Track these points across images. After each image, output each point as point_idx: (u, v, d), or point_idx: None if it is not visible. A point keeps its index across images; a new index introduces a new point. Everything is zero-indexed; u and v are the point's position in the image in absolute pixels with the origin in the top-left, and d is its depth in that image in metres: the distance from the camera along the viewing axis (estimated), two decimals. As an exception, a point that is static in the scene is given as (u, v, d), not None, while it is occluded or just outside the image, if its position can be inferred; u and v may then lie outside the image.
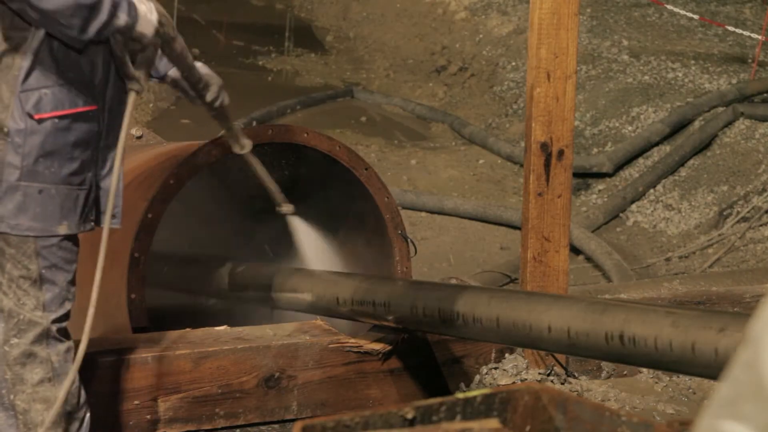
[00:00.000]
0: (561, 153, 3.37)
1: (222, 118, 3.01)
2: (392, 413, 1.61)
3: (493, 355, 3.42)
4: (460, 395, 1.67)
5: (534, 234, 3.41)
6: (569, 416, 1.76)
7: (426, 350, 3.27)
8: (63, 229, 2.42)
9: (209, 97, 2.85)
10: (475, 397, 1.69)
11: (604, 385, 3.35)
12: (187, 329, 3.10)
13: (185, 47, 2.65)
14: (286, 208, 3.31)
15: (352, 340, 3.12)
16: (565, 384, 3.30)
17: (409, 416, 1.61)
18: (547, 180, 3.37)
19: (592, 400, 2.16)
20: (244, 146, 3.12)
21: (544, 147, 3.35)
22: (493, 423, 1.60)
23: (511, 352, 3.40)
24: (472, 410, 1.68)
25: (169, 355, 2.91)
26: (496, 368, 3.36)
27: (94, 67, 2.41)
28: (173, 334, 3.04)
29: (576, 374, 3.43)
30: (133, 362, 2.87)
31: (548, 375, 3.32)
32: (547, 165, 3.37)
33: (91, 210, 2.50)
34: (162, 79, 2.85)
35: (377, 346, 3.16)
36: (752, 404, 0.83)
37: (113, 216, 2.53)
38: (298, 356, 3.08)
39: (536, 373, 3.33)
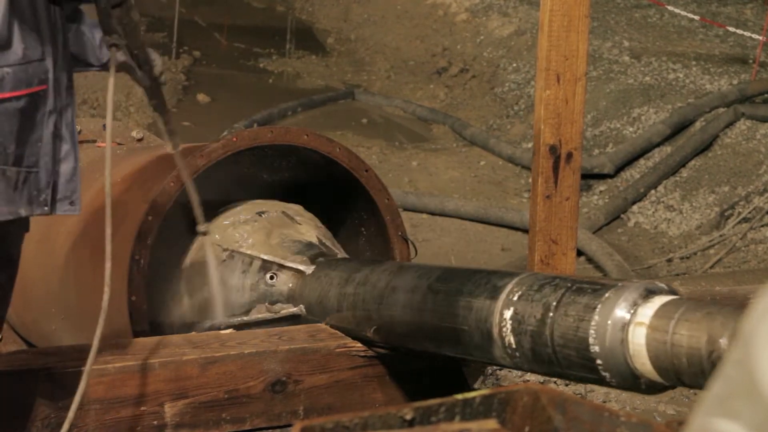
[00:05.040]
0: (570, 156, 3.36)
1: (160, 99, 2.86)
2: (391, 414, 1.61)
3: None
4: (458, 396, 1.68)
5: (541, 237, 3.40)
6: (568, 417, 1.76)
7: (431, 355, 3.25)
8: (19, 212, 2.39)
9: (157, 70, 2.73)
10: (474, 398, 1.69)
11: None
12: (192, 333, 3.09)
13: (139, 19, 2.56)
14: (203, 227, 3.15)
15: (359, 345, 3.10)
16: (569, 385, 3.28)
17: (408, 417, 1.61)
18: (556, 183, 3.35)
19: (591, 401, 2.16)
20: (175, 147, 2.98)
21: (553, 149, 3.34)
22: (492, 424, 1.60)
23: None
24: (471, 411, 1.68)
25: (176, 360, 2.89)
26: (500, 369, 3.35)
27: (45, 47, 2.36)
28: (178, 339, 3.03)
29: None
30: (140, 368, 2.86)
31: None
32: (556, 168, 3.35)
33: (42, 194, 2.42)
34: (104, 66, 2.70)
35: (384, 350, 3.14)
36: (744, 402, 0.83)
37: (71, 203, 2.47)
38: (305, 360, 3.06)
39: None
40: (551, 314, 2.18)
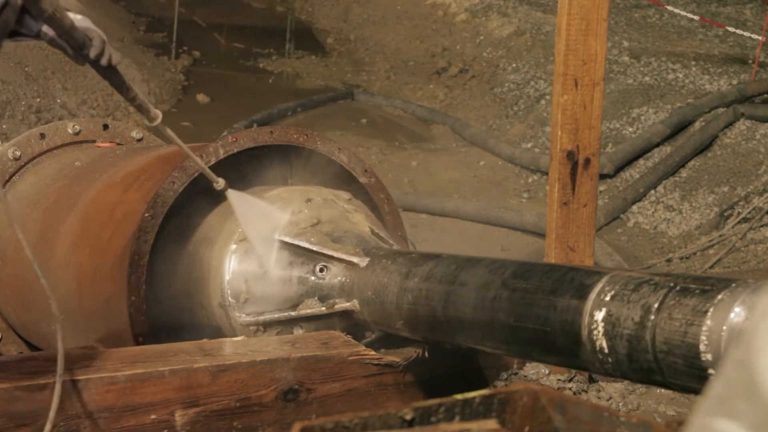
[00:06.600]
0: (587, 161, 3.31)
1: (115, 79, 2.71)
2: (391, 414, 1.61)
3: (516, 364, 3.36)
4: (458, 396, 1.68)
5: (559, 244, 3.36)
6: (568, 417, 1.76)
7: (447, 361, 3.21)
8: None
9: (93, 53, 2.58)
10: (473, 398, 1.69)
11: (623, 389, 3.30)
12: (204, 340, 3.05)
13: (59, 6, 2.40)
14: (219, 184, 3.05)
15: (372, 353, 3.06)
16: (588, 392, 3.23)
17: (408, 417, 1.61)
18: (573, 189, 3.31)
19: (590, 401, 2.16)
20: (155, 118, 2.84)
21: (570, 155, 3.29)
22: (492, 424, 1.60)
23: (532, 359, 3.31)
24: (471, 411, 1.68)
25: (186, 368, 2.86)
26: (515, 374, 3.30)
27: None
28: (189, 345, 2.99)
29: (597, 379, 3.36)
30: (149, 376, 2.83)
31: (570, 381, 3.25)
32: (573, 174, 3.31)
33: None
34: (37, 36, 2.54)
35: (398, 358, 3.10)
36: (744, 402, 0.83)
37: None
38: (318, 369, 3.00)
39: (556, 379, 3.26)
40: (652, 317, 1.97)
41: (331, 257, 3.09)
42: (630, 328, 2.01)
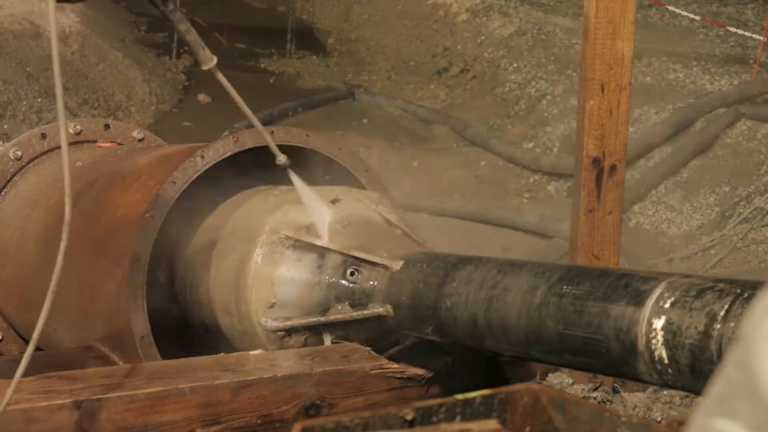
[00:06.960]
0: (613, 168, 3.25)
1: (173, 15, 2.79)
2: (392, 414, 1.61)
3: (538, 375, 3.33)
4: (459, 396, 1.68)
5: (584, 252, 3.29)
6: (568, 417, 1.76)
7: (470, 374, 3.16)
8: None
9: None
10: (474, 398, 1.69)
11: (646, 399, 3.27)
12: (221, 354, 3.01)
13: None
14: (281, 159, 3.03)
15: (395, 366, 2.99)
16: (612, 402, 3.19)
17: (409, 417, 1.61)
18: (598, 196, 3.24)
19: (590, 401, 2.16)
20: (209, 60, 2.87)
21: (596, 162, 3.23)
22: (492, 424, 1.60)
23: (555, 369, 3.23)
24: (472, 411, 1.68)
25: (207, 385, 2.81)
26: (539, 383, 3.26)
27: None
28: (207, 361, 2.95)
29: (620, 390, 3.30)
30: (170, 393, 2.78)
31: (594, 390, 3.21)
32: (599, 180, 3.25)
33: None
34: None
35: (420, 371, 3.04)
36: (744, 402, 0.83)
37: None
38: (340, 383, 2.92)
39: (580, 389, 3.22)
40: (718, 326, 1.84)
41: (363, 260, 2.96)
42: (693, 337, 1.90)
